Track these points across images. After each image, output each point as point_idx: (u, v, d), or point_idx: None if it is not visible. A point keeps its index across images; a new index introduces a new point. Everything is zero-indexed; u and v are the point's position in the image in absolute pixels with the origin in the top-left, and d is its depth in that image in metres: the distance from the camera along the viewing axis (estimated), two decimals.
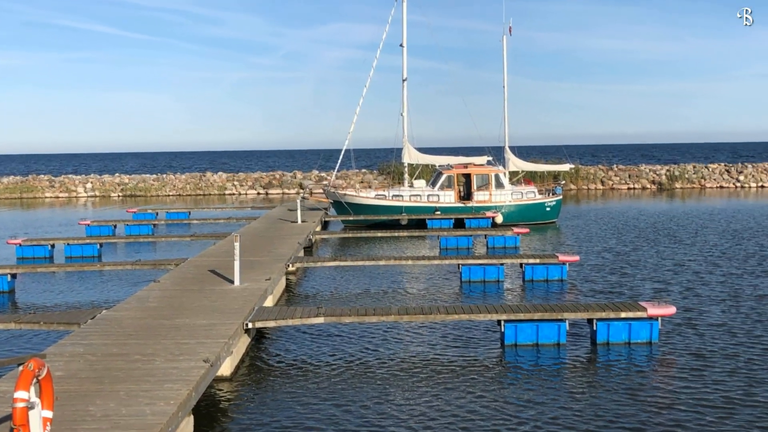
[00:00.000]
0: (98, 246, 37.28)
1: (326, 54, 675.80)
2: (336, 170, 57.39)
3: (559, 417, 14.81)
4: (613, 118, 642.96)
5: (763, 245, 37.83)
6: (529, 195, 50.02)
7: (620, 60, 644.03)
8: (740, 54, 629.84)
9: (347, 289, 28.53)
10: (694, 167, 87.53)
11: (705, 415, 14.84)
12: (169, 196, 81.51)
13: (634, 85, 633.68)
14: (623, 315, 19.71)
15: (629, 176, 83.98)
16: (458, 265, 29.34)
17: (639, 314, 19.70)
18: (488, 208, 47.93)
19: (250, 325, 18.64)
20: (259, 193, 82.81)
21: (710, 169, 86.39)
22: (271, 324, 19.10)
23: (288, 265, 28.42)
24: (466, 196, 49.54)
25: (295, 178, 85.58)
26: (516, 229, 38.74)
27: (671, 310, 20.13)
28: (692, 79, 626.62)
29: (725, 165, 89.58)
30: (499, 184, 49.34)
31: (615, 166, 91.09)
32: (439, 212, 47.67)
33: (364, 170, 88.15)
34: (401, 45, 52.14)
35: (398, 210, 48.08)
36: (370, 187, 67.03)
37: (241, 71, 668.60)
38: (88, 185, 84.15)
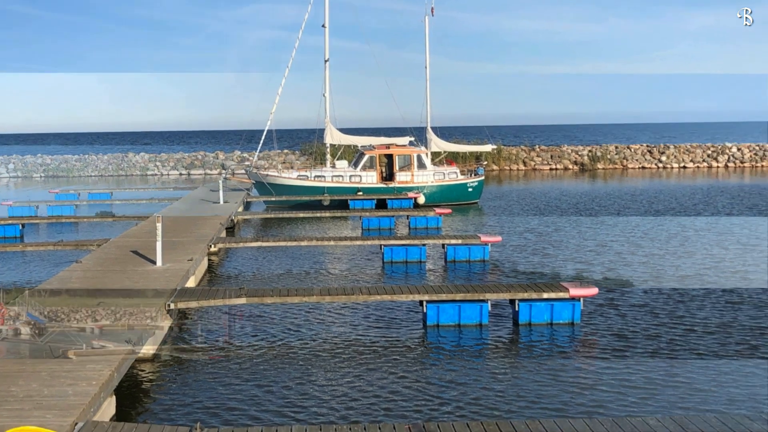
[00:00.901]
0: (20, 226, 36.85)
1: (249, 34, 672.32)
2: (258, 151, 57.27)
3: (481, 398, 14.90)
4: (535, 98, 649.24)
5: (684, 226, 38.41)
6: (452, 176, 50.24)
7: (543, 41, 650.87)
8: (662, 35, 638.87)
9: (269, 269, 28.44)
10: (617, 148, 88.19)
11: (627, 395, 15.03)
12: (91, 176, 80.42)
13: (556, 65, 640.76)
14: (545, 296, 19.87)
15: (551, 157, 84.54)
16: (380, 245, 29.36)
17: (561, 295, 19.88)
18: (410, 189, 48.07)
19: (172, 306, 18.50)
20: (181, 174, 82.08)
21: (632, 150, 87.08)
22: (193, 305, 18.97)
23: (210, 246, 28.25)
24: (389, 176, 49.60)
25: (218, 158, 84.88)
26: (438, 210, 38.88)
27: (593, 290, 20.35)
28: (614, 59, 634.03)
29: (647, 146, 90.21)
30: (422, 165, 49.50)
31: (537, 146, 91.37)
32: (361, 193, 47.66)
33: (286, 151, 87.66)
34: (323, 26, 52.05)
35: (320, 191, 47.99)
36: (292, 167, 66.88)
37: (163, 51, 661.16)
38: (10, 166, 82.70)
